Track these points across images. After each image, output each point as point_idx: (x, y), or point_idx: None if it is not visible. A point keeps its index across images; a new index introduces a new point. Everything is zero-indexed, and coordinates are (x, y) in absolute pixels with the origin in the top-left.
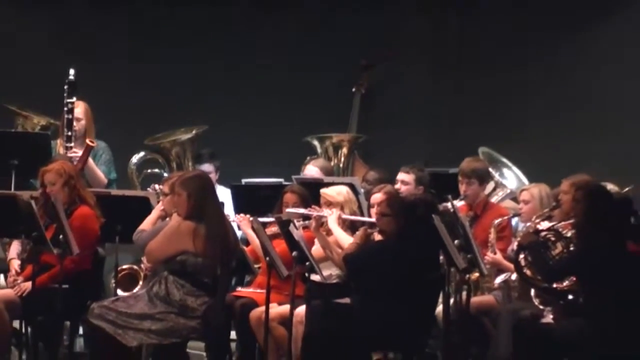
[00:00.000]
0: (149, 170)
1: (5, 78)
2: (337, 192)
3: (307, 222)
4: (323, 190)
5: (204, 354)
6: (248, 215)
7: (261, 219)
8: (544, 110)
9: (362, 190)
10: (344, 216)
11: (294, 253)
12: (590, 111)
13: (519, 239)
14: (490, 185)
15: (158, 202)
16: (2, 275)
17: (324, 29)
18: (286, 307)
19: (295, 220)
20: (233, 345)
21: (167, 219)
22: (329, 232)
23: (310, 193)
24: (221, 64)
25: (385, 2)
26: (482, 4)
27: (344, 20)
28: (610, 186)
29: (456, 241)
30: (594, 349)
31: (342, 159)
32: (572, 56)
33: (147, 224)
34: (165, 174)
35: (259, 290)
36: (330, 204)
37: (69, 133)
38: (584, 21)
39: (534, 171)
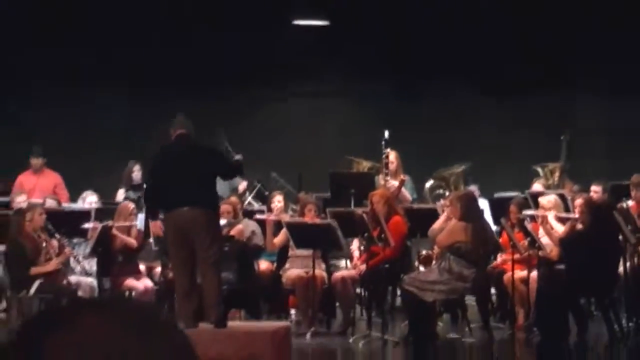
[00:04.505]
0: (436, 192)
1: (346, 140)
2: (547, 200)
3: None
4: (540, 199)
5: (474, 303)
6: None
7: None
8: None
9: (569, 197)
10: (559, 214)
11: (528, 238)
12: None
13: None
14: None
15: (442, 211)
16: (348, 261)
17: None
18: (525, 272)
19: (527, 218)
20: (493, 297)
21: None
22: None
23: (535, 201)
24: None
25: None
26: None
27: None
28: None
29: (629, 226)
30: None
31: (556, 179)
32: None
33: (437, 224)
34: (447, 193)
35: (508, 263)
36: (543, 208)
37: (387, 171)
38: None
39: None
